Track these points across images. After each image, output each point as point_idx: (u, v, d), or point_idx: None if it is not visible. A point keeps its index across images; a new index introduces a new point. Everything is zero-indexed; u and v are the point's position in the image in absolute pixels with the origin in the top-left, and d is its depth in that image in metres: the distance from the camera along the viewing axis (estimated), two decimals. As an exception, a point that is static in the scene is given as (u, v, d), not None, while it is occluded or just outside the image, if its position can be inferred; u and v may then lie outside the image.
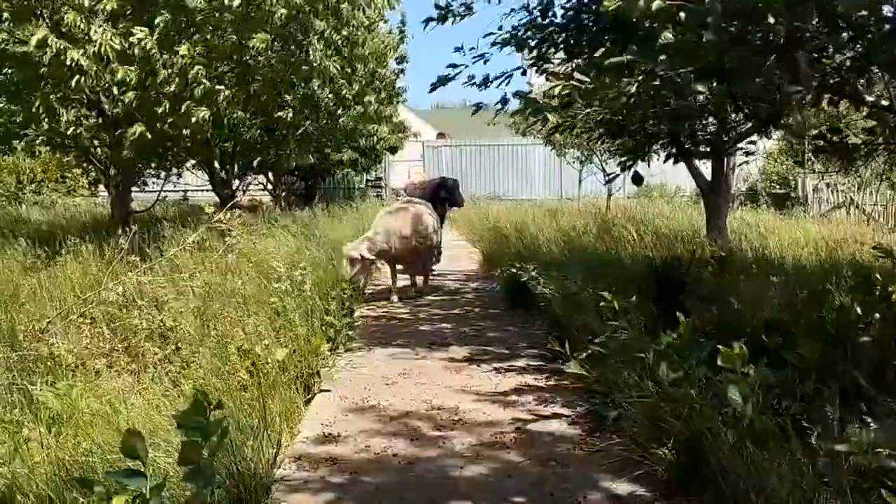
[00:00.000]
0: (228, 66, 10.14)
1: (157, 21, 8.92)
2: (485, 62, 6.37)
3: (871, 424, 3.14)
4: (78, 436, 4.17)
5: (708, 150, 7.94)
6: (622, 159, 8.14)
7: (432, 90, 6.17)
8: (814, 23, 4.76)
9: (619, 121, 6.08)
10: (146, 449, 2.47)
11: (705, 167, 10.39)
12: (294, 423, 5.14)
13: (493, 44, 6.33)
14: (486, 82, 5.94)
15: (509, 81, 5.98)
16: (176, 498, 2.40)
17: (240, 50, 9.55)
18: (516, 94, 5.70)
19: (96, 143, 11.68)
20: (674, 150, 6.74)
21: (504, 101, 5.94)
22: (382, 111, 21.50)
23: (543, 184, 30.41)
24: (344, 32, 11.23)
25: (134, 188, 14.00)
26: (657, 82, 4.24)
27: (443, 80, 5.97)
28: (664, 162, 8.00)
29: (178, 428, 2.56)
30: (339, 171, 26.10)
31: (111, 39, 8.58)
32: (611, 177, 12.07)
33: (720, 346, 3.62)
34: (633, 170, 7.45)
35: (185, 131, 10.29)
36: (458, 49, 6.25)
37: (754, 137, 8.42)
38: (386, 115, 22.32)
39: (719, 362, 3.58)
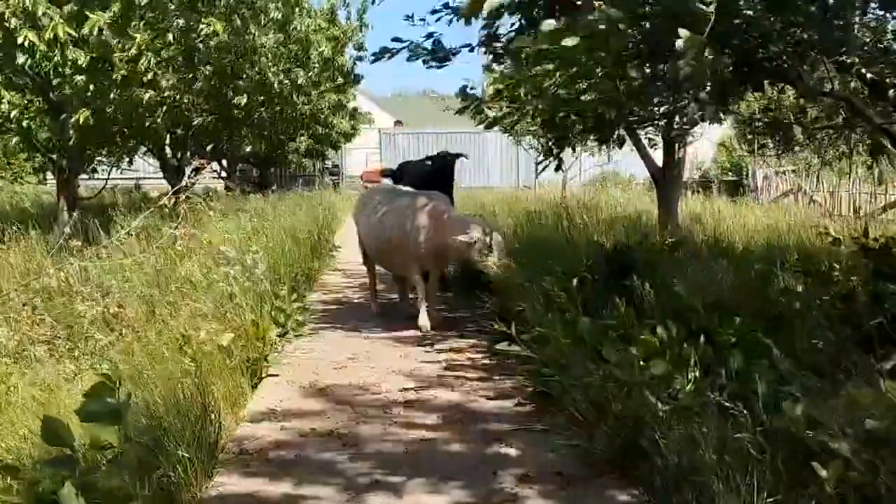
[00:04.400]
0: (176, 49, 9.98)
1: (112, 9, 8.76)
2: (435, 42, 6.23)
3: (804, 400, 3.20)
4: (14, 422, 4.08)
5: (638, 134, 7.96)
6: (549, 145, 8.15)
7: (374, 61, 5.99)
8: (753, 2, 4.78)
9: (549, 112, 6.05)
10: (72, 434, 2.43)
11: (657, 154, 10.46)
12: (239, 408, 5.10)
13: (442, 8, 6.08)
14: (433, 55, 5.81)
15: (455, 54, 5.85)
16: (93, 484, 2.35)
17: (187, 34, 9.42)
18: (458, 93, 5.69)
19: (39, 125, 11.41)
20: (598, 137, 6.80)
21: (464, 91, 5.85)
22: (339, 98, 21.34)
23: (500, 172, 30.42)
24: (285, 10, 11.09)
25: (83, 175, 13.70)
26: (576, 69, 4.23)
27: (385, 52, 5.83)
28: (599, 148, 8.07)
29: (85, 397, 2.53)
30: (295, 158, 25.81)
31: (62, 23, 8.41)
32: (543, 166, 12.21)
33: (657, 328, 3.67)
34: (558, 159, 7.49)
35: (132, 114, 10.13)
36: (408, 17, 6.10)
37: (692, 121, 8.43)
38: (342, 103, 22.16)
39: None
